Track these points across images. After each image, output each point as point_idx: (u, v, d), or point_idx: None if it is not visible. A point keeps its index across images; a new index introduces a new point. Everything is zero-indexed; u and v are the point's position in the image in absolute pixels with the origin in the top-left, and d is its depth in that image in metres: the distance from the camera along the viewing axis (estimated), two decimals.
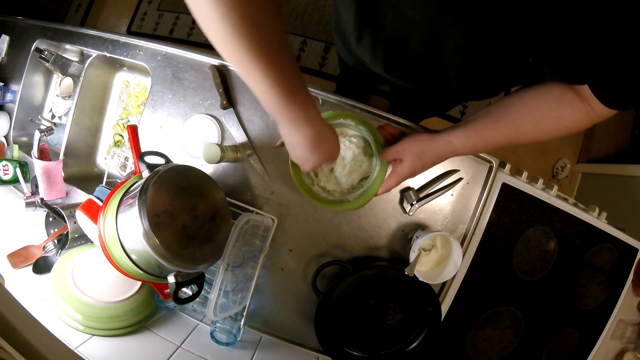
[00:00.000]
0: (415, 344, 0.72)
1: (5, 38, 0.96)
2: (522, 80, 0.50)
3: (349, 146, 0.61)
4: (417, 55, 0.49)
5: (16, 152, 0.92)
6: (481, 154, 0.71)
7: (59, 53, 0.88)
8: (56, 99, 0.98)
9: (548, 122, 0.47)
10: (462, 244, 0.72)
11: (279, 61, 0.36)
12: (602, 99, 0.40)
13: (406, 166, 0.54)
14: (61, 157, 0.85)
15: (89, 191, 0.81)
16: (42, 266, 0.70)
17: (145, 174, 0.57)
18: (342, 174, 0.61)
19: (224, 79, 0.73)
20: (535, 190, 0.72)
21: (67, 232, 0.70)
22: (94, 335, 0.61)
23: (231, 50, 0.34)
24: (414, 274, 0.63)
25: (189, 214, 0.56)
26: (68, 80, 0.91)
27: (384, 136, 0.59)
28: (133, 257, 0.53)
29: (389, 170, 0.57)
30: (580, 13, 0.30)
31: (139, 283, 0.69)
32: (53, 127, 0.89)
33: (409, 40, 0.46)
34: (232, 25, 0.31)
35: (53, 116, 0.98)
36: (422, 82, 0.58)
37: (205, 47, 0.59)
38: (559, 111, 0.46)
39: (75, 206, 0.71)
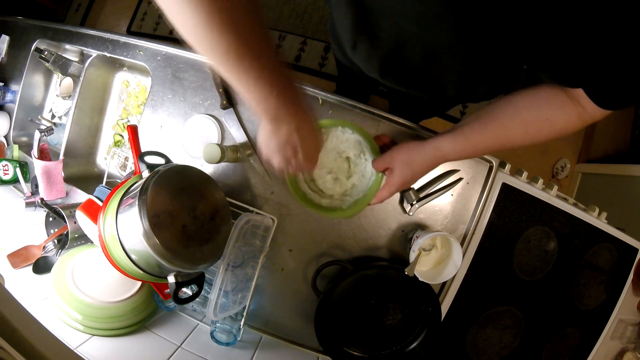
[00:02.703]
0: (415, 344, 0.72)
1: (5, 38, 0.96)
2: (521, 83, 0.50)
3: (345, 151, 0.61)
4: (413, 63, 0.49)
5: (16, 152, 0.92)
6: None
7: (59, 53, 0.88)
8: (56, 99, 0.98)
9: (538, 124, 0.46)
10: (462, 244, 0.72)
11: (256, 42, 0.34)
12: (595, 100, 0.40)
13: (397, 175, 0.54)
14: (61, 157, 0.85)
15: (89, 191, 0.81)
16: (42, 266, 0.70)
17: (145, 174, 0.57)
18: (337, 180, 0.62)
19: (224, 78, 0.73)
20: (535, 190, 0.72)
21: (67, 232, 0.70)
22: (94, 335, 0.61)
23: (203, 37, 0.32)
24: (414, 274, 0.63)
25: (189, 214, 0.56)
26: (68, 80, 0.91)
27: (378, 145, 0.60)
28: (133, 257, 0.53)
29: (384, 181, 0.58)
30: (574, 16, 0.30)
31: (139, 283, 0.69)
32: (53, 127, 0.89)
33: (404, 49, 0.46)
34: (205, 14, 0.29)
35: (53, 116, 0.98)
36: (418, 87, 0.58)
37: None
38: (549, 113, 0.45)
39: (75, 206, 0.71)
